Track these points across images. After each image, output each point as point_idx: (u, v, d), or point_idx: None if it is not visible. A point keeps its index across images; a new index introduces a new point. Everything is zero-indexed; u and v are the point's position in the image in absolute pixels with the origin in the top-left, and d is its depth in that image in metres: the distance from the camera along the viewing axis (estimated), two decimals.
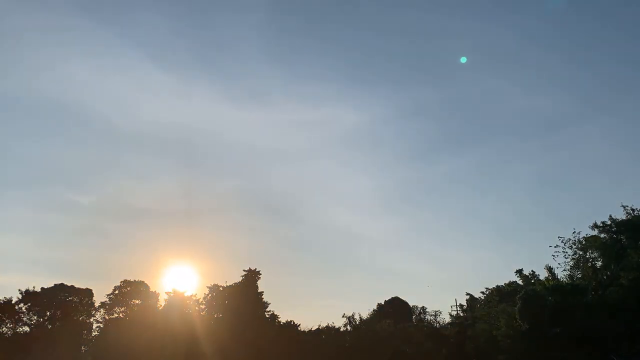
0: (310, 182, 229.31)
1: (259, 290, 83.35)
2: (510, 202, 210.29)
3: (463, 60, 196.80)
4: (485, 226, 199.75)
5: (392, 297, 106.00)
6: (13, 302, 79.68)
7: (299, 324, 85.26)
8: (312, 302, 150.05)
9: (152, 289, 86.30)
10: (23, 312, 79.80)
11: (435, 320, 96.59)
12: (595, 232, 63.89)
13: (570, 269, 65.31)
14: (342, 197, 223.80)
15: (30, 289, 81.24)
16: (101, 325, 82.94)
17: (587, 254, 64.18)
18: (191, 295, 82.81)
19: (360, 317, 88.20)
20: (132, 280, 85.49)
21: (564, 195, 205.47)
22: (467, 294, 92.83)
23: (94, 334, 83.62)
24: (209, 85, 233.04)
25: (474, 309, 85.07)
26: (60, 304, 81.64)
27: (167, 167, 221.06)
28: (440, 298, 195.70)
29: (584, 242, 64.16)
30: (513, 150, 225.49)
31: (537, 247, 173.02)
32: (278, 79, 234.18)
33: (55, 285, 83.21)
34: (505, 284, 78.82)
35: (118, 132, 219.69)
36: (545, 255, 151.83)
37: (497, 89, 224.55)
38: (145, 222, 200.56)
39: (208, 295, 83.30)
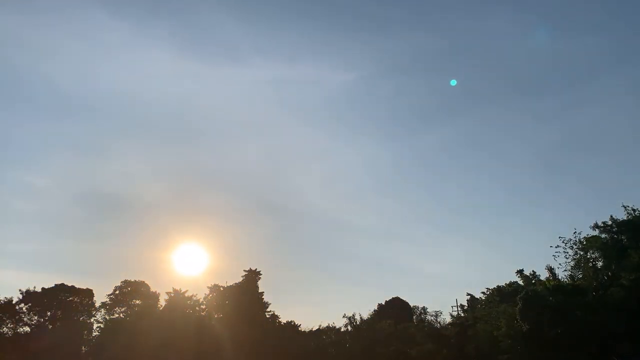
0: (292, 160, 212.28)
1: (259, 291, 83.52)
2: (510, 196, 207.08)
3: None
4: (485, 225, 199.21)
5: (393, 297, 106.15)
6: (13, 302, 79.81)
7: (300, 324, 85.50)
8: (310, 301, 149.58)
9: (152, 288, 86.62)
10: (23, 312, 79.90)
11: (436, 320, 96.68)
12: (596, 232, 63.76)
13: (571, 269, 65.09)
14: (331, 180, 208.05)
15: (31, 289, 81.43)
16: (102, 326, 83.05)
17: (588, 254, 64.00)
18: (191, 295, 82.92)
19: (360, 317, 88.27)
20: (132, 280, 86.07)
21: (565, 192, 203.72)
22: (468, 294, 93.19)
23: (94, 334, 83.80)
24: (166, 36, 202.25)
25: (475, 309, 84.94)
26: (60, 304, 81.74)
27: (124, 139, 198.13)
28: (440, 298, 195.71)
29: (584, 243, 63.94)
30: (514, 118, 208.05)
31: (538, 247, 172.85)
32: (241, 24, 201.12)
33: (55, 285, 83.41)
34: (506, 284, 78.71)
35: (64, 97, 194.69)
36: (546, 255, 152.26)
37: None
38: (112, 207, 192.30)
39: (209, 295, 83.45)
